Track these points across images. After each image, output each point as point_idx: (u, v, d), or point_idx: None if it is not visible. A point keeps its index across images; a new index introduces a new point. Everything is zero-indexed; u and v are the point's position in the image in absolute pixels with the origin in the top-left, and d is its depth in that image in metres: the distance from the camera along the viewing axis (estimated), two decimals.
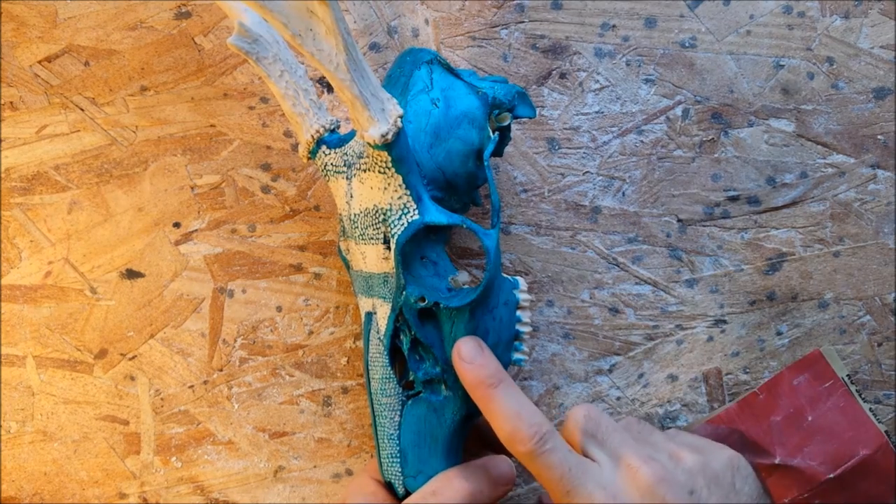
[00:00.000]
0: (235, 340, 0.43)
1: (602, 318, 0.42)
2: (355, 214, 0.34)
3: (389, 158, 0.31)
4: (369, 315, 0.35)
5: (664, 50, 0.42)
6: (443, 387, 0.34)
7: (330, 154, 0.35)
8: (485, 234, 0.33)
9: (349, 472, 0.42)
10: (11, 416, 0.43)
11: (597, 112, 0.42)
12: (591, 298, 0.42)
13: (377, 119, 0.30)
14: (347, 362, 0.42)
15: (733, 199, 0.42)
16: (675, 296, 0.42)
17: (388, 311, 0.34)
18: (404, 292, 0.33)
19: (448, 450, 0.34)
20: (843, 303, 0.42)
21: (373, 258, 0.34)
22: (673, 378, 0.42)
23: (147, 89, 0.43)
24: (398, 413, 0.34)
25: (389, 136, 0.30)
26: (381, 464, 0.35)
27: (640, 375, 0.42)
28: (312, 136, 0.34)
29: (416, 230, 0.32)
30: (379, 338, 0.34)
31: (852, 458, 0.39)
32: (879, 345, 0.42)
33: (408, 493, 0.34)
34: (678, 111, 0.42)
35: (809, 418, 0.40)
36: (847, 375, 0.40)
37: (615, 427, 0.34)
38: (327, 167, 0.35)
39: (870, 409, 0.40)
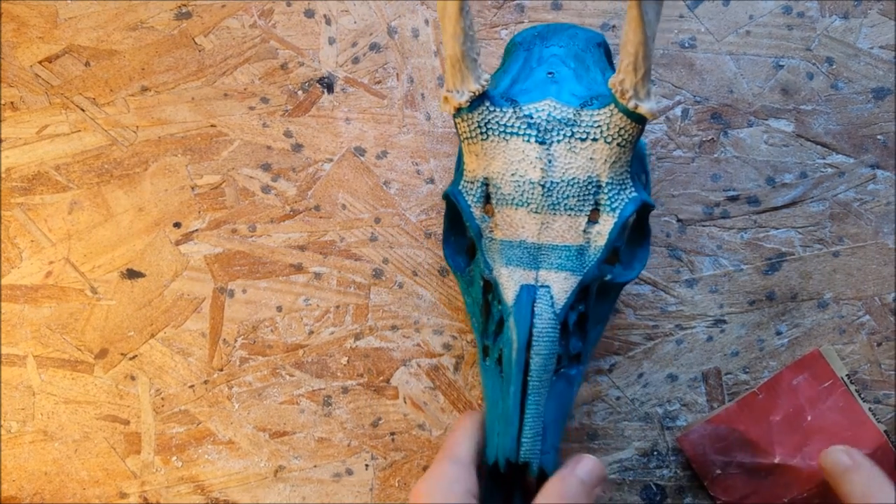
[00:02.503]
0: (236, 340, 0.43)
1: None
2: (554, 182, 0.33)
3: (639, 134, 0.32)
4: (530, 288, 0.34)
5: (664, 50, 0.42)
6: (579, 361, 0.35)
7: (496, 111, 0.33)
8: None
9: (349, 472, 0.42)
10: (12, 415, 0.43)
11: None
12: None
13: (652, 94, 0.30)
14: (347, 362, 0.42)
15: (733, 199, 0.42)
16: (674, 296, 0.42)
17: (573, 284, 0.33)
18: (603, 266, 0.34)
19: (566, 421, 0.35)
20: (842, 303, 0.42)
21: (563, 229, 0.33)
22: (672, 378, 0.42)
23: (147, 89, 0.43)
24: (548, 388, 0.33)
25: (657, 113, 0.30)
26: (519, 444, 0.33)
27: (640, 375, 0.42)
28: (482, 85, 0.32)
29: (638, 207, 0.33)
30: (554, 311, 0.33)
31: None
32: (879, 345, 0.42)
33: (543, 472, 0.33)
34: (678, 111, 0.42)
35: (809, 418, 0.40)
36: (846, 375, 0.41)
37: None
38: (489, 124, 0.33)
39: (869, 408, 0.40)
